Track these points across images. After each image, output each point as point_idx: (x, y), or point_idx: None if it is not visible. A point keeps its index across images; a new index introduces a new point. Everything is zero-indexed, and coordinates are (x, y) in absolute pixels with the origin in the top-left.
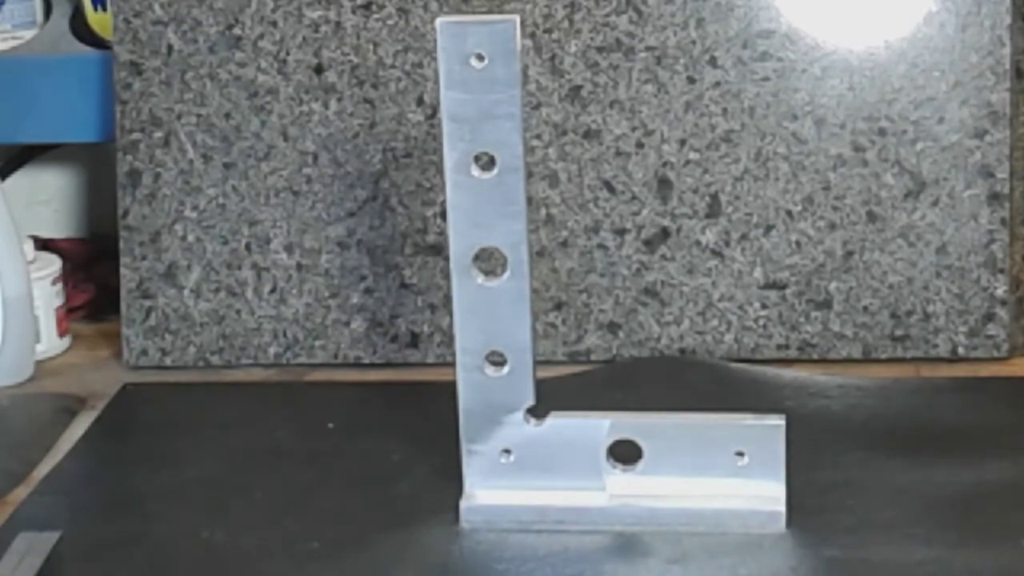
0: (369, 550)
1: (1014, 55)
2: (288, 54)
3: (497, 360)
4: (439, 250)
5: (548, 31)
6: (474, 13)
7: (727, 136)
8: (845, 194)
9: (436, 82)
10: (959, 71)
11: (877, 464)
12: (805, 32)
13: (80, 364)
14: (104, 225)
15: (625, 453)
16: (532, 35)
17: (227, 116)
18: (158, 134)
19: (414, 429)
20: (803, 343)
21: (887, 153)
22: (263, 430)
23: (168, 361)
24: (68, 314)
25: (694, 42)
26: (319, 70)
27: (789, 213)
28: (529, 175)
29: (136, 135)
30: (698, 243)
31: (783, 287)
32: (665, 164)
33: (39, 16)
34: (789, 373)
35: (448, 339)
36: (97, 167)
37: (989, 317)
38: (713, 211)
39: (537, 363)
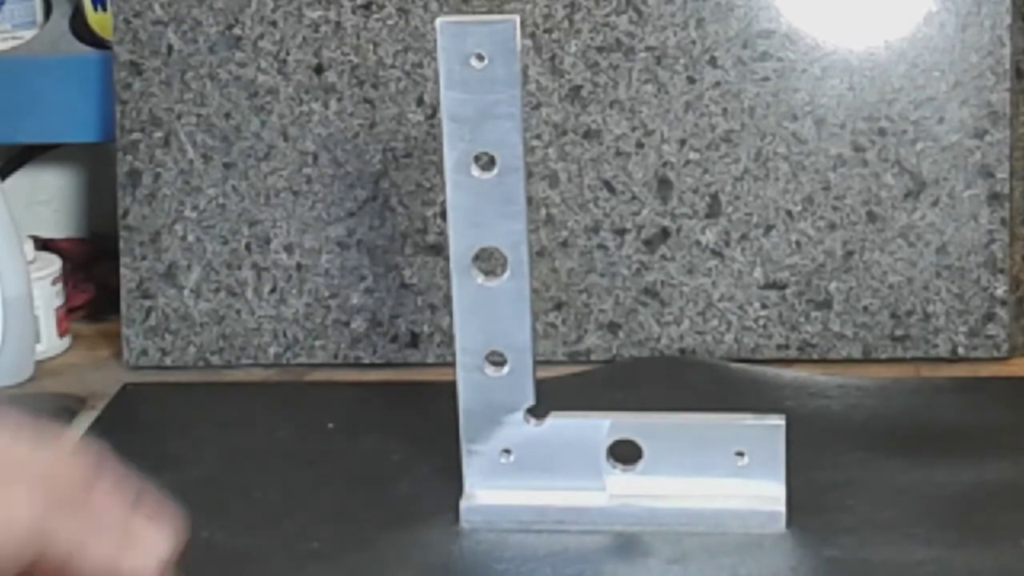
0: (369, 550)
1: (1014, 55)
2: (288, 54)
3: (497, 360)
4: (439, 250)
5: (548, 31)
6: (474, 13)
7: (727, 136)
8: (845, 194)
9: (436, 82)
10: (959, 71)
11: (877, 464)
12: (805, 32)
13: (80, 364)
14: (104, 225)
15: (625, 453)
16: (532, 35)
17: (227, 116)
18: (158, 134)
19: (414, 429)
20: (803, 343)
21: (887, 153)
22: (263, 430)
23: (168, 361)
24: (68, 314)
25: (694, 42)
26: (319, 70)
27: (789, 213)
28: (529, 175)
29: (136, 135)
30: (698, 243)
31: (783, 287)
32: (665, 164)
33: (39, 16)
34: (789, 373)
35: (448, 339)
36: (97, 167)
37: (989, 317)
38: (713, 211)
39: (537, 363)
